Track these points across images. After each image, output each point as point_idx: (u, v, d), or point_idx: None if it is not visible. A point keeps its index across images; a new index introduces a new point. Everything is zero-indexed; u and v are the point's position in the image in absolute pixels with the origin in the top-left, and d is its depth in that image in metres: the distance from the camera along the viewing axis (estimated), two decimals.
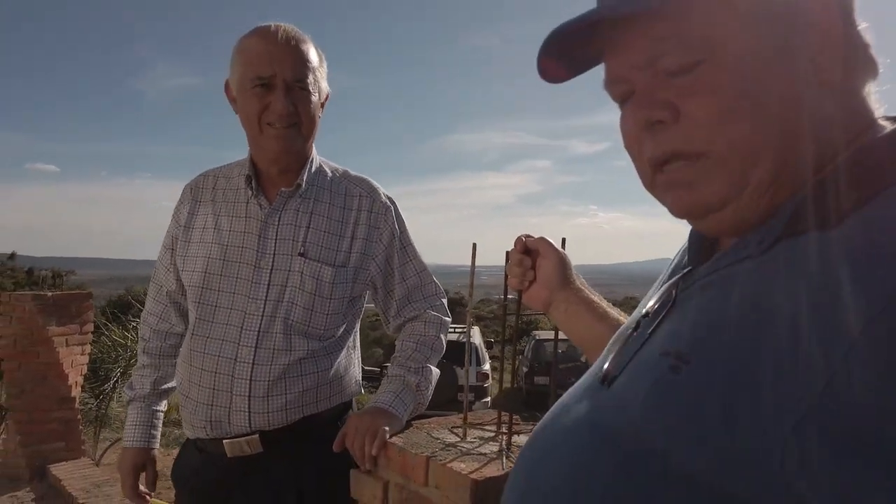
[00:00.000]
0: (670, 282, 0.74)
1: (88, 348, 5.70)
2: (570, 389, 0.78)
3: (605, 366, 0.71)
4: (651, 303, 0.74)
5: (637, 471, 0.58)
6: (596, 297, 1.11)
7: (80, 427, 5.54)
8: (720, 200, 0.63)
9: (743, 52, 0.59)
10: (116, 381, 7.67)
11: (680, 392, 0.57)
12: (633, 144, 0.69)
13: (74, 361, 5.40)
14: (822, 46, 0.60)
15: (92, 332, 5.78)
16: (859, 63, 0.62)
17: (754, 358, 0.52)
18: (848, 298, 0.48)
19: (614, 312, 1.07)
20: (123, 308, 10.94)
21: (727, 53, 0.60)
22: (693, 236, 0.75)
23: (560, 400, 0.78)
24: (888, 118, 0.63)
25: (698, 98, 0.61)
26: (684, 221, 0.71)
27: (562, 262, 1.13)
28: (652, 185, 0.69)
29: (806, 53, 0.60)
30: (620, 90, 0.69)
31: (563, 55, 0.69)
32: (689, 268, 0.73)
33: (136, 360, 1.85)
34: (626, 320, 0.85)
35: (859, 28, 0.62)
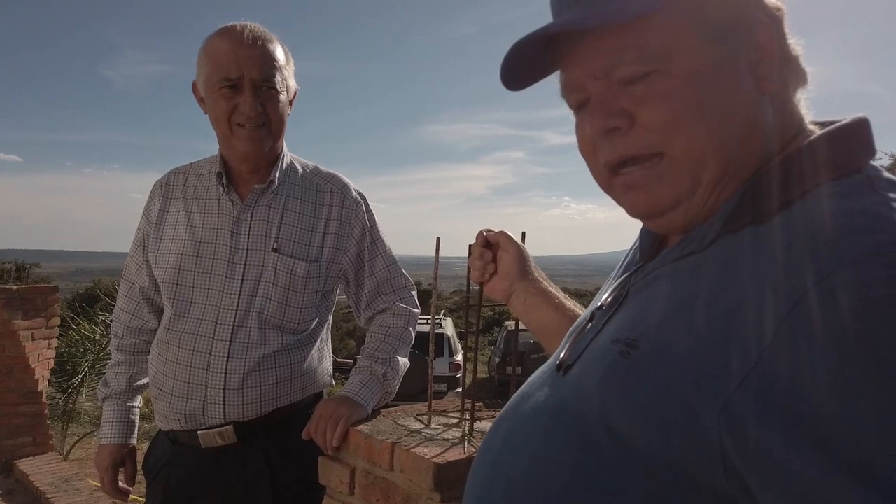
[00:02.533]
0: (623, 277, 0.79)
1: (55, 342, 5.63)
2: (530, 378, 0.82)
3: (561, 355, 0.76)
4: (604, 296, 0.80)
5: (595, 450, 0.63)
6: (553, 288, 1.16)
7: (48, 422, 5.47)
8: (674, 201, 0.68)
9: (693, 63, 0.65)
10: (84, 375, 7.56)
11: (628, 375, 0.62)
12: (589, 150, 0.74)
13: (41, 356, 5.33)
14: (761, 59, 0.66)
15: (58, 326, 5.71)
16: (791, 73, 0.69)
17: (692, 344, 0.57)
18: (769, 292, 0.53)
19: (569, 303, 1.13)
20: (91, 301, 10.76)
21: (679, 64, 0.65)
22: (644, 234, 0.81)
23: (520, 389, 0.82)
24: (816, 123, 0.70)
25: (652, 105, 0.65)
26: None
27: (521, 255, 1.18)
28: (609, 187, 0.73)
29: (747, 65, 0.66)
30: (577, 98, 0.73)
31: (524, 65, 0.73)
32: (641, 264, 0.78)
33: (104, 355, 1.87)
34: (582, 311, 0.89)
35: (790, 41, 0.69)
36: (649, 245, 0.79)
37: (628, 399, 0.61)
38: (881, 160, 7.32)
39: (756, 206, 0.62)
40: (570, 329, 0.84)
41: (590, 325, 0.77)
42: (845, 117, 0.66)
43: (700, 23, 0.65)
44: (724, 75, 0.65)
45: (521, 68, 0.74)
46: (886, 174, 0.62)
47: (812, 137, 0.66)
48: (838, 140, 0.64)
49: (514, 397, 0.82)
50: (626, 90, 0.67)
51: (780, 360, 0.50)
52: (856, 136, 0.65)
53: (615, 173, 0.71)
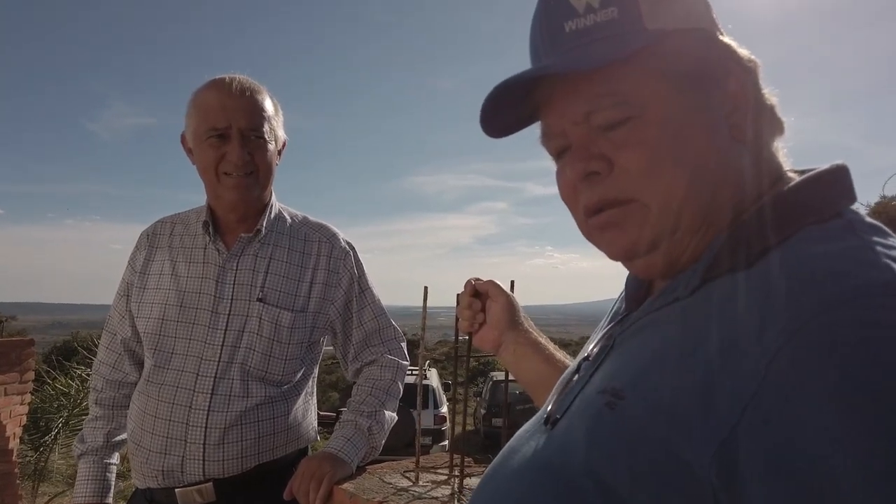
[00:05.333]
0: (609, 327, 0.79)
1: (29, 398, 5.47)
2: (518, 432, 0.80)
3: (549, 408, 0.75)
4: (591, 347, 0.79)
5: None
6: (543, 339, 1.15)
7: (18, 481, 5.27)
8: (651, 242, 0.68)
9: (668, 111, 0.66)
10: (58, 432, 7.33)
11: (614, 426, 0.61)
12: (570, 195, 0.74)
13: (13, 412, 5.17)
14: (734, 108, 0.68)
15: (33, 381, 5.55)
16: (767, 122, 0.70)
17: (678, 393, 0.57)
18: (755, 336, 0.53)
19: (559, 354, 1.11)
20: (68, 354, 10.52)
21: (655, 111, 0.66)
22: (629, 282, 0.80)
23: (508, 443, 0.80)
24: (795, 171, 0.71)
25: (629, 151, 0.66)
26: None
27: (510, 305, 1.16)
28: (589, 230, 0.74)
29: (721, 114, 0.67)
30: (557, 144, 0.74)
31: (503, 112, 0.74)
32: (627, 312, 0.77)
33: (80, 410, 1.80)
34: (571, 363, 0.88)
35: (765, 92, 0.70)
36: (635, 293, 0.79)
37: (615, 450, 0.60)
38: (857, 209, 7.48)
39: (737, 252, 0.63)
40: (559, 381, 0.82)
41: (577, 376, 0.76)
42: (823, 165, 0.68)
43: (673, 71, 0.67)
44: (699, 123, 0.66)
45: (500, 114, 0.74)
46: (867, 218, 0.63)
47: (791, 184, 0.67)
48: (817, 186, 0.65)
49: (502, 451, 0.80)
50: (606, 136, 0.68)
51: (768, 409, 0.50)
52: (834, 182, 0.66)
53: (593, 216, 0.71)
